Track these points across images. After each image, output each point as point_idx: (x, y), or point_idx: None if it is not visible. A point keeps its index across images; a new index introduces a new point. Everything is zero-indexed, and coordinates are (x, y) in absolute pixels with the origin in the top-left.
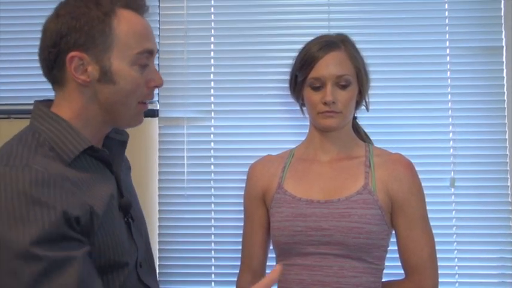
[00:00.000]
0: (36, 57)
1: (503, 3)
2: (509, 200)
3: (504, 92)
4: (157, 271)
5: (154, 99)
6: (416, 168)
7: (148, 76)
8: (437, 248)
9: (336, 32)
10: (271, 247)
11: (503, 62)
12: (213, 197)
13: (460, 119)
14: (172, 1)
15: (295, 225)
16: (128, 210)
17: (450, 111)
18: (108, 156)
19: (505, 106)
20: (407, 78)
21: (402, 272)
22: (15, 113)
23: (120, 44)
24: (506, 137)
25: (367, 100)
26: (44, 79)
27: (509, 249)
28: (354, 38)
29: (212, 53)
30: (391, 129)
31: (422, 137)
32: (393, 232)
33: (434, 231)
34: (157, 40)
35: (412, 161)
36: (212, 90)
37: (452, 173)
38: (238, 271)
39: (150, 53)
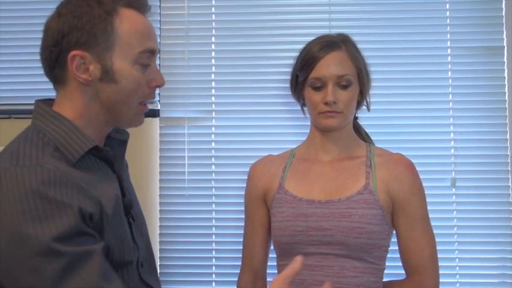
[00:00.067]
0: (37, 57)
1: (505, 3)
2: (510, 200)
3: (505, 92)
4: (158, 271)
5: (155, 99)
6: (417, 168)
7: (149, 76)
8: (438, 248)
9: (336, 32)
10: (272, 247)
11: (504, 62)
12: (213, 197)
13: (461, 119)
14: (173, 1)
15: (296, 225)
16: (129, 209)
17: (451, 111)
18: (111, 155)
19: (506, 106)
20: (408, 78)
21: (403, 272)
22: (16, 113)
23: (122, 43)
24: (507, 137)
25: (368, 100)
26: (44, 79)
27: (510, 249)
28: (354, 38)
29: (213, 53)
30: (392, 129)
31: (424, 137)
32: (394, 232)
33: (435, 231)
34: (158, 40)
35: (413, 161)
36: (213, 90)
37: (453, 173)
38: (239, 271)
39: (152, 52)
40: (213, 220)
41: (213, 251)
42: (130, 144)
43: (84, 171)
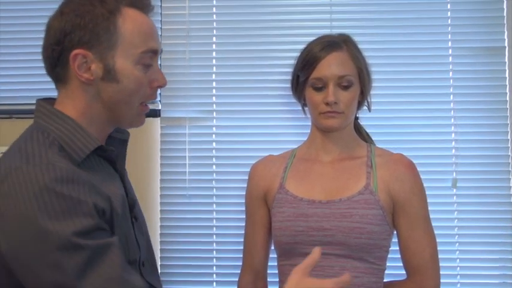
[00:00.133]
0: (38, 57)
1: (506, 3)
2: (511, 200)
3: (506, 93)
4: (159, 271)
5: (156, 99)
6: (418, 169)
7: (151, 76)
8: (439, 248)
9: (338, 32)
10: (272, 247)
11: (505, 62)
12: (214, 197)
13: (462, 119)
14: (174, 1)
15: (297, 225)
16: (132, 209)
17: (452, 111)
18: (114, 155)
19: (507, 107)
20: (409, 79)
21: (404, 272)
22: (17, 113)
23: (124, 43)
24: (508, 137)
25: (369, 100)
26: (45, 79)
27: (511, 249)
28: (356, 38)
29: (214, 53)
30: (393, 130)
31: (424, 137)
32: (395, 232)
33: (436, 232)
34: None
35: (414, 161)
36: (214, 90)
37: (454, 173)
38: (239, 271)
39: (155, 52)
40: (214, 220)
41: (214, 251)
42: (131, 144)
43: (88, 170)
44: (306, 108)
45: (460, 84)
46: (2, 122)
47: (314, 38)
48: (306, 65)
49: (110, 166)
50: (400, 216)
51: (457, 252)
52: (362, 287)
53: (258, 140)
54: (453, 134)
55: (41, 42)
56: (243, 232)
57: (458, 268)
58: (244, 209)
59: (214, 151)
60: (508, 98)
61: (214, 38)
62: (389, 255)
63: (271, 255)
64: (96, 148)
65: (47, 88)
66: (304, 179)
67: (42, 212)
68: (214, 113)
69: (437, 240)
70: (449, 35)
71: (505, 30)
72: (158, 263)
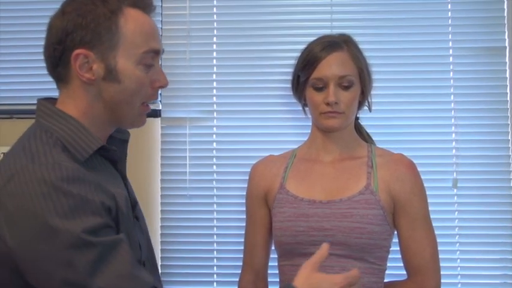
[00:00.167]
0: (39, 57)
1: (506, 3)
2: None
3: (507, 93)
4: (160, 271)
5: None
6: (419, 169)
7: (153, 76)
8: (439, 248)
9: (338, 32)
10: (273, 247)
11: (506, 62)
12: (215, 197)
13: (462, 119)
14: (175, 1)
15: (297, 225)
16: (134, 209)
17: (453, 111)
18: (116, 155)
19: (508, 107)
20: (409, 79)
21: (404, 272)
22: (18, 113)
23: (126, 43)
24: (509, 137)
25: (369, 100)
26: (46, 79)
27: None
28: (356, 38)
29: (215, 53)
30: (393, 130)
31: (425, 137)
32: (395, 232)
33: (436, 232)
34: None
35: (415, 161)
36: (214, 91)
37: (454, 173)
38: (240, 271)
39: (156, 53)
40: (215, 220)
41: (214, 251)
42: (131, 144)
43: (92, 170)
44: (307, 109)
45: (460, 85)
46: (2, 122)
47: (315, 38)
48: (307, 65)
49: (111, 166)
50: (401, 216)
51: (458, 252)
52: (362, 287)
53: (259, 140)
54: (454, 134)
55: (41, 43)
56: (243, 232)
57: (459, 268)
58: (244, 209)
59: (214, 151)
60: (508, 98)
61: (214, 38)
62: (389, 256)
63: (271, 255)
64: (99, 148)
65: (48, 88)
66: (305, 179)
67: (51, 210)
68: (215, 113)
69: (438, 240)
70: (450, 35)
71: (506, 30)
72: (159, 263)
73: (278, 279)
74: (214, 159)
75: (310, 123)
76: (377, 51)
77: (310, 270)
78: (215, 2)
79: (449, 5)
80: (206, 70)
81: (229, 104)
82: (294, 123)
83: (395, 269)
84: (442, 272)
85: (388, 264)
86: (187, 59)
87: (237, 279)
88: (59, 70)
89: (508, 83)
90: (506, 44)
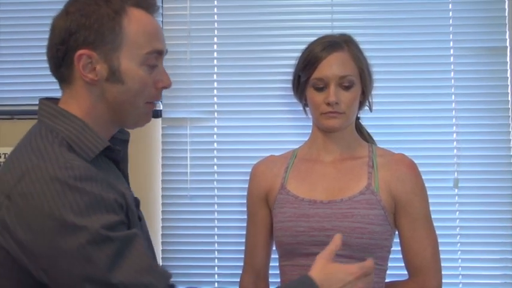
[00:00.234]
0: (39, 58)
1: (507, 3)
2: None
3: (508, 93)
4: None
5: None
6: (420, 169)
7: (156, 77)
8: (440, 248)
9: (339, 32)
10: (274, 247)
11: (507, 62)
12: (216, 197)
13: (463, 119)
14: (176, 1)
15: (298, 225)
16: (137, 209)
17: (454, 111)
18: (119, 155)
19: (509, 106)
20: (410, 79)
21: (405, 272)
22: (18, 114)
23: (129, 43)
24: (510, 137)
25: (370, 100)
26: (47, 79)
27: None
28: (357, 38)
29: (215, 53)
30: (394, 130)
31: (426, 137)
32: (396, 233)
33: (437, 232)
34: None
35: (416, 161)
36: (215, 91)
37: (455, 173)
38: (241, 271)
39: (160, 53)
40: (215, 221)
41: (215, 252)
42: (132, 144)
43: (99, 169)
44: (307, 109)
45: (461, 84)
46: (3, 122)
47: (315, 38)
48: (307, 65)
49: (114, 166)
50: (402, 216)
51: (459, 252)
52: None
53: (259, 141)
54: (455, 134)
55: (42, 43)
56: (244, 232)
57: (460, 268)
58: (245, 209)
59: (215, 151)
60: (509, 98)
61: (215, 39)
62: (390, 256)
63: (272, 256)
64: (104, 148)
65: (49, 89)
66: (306, 179)
67: (67, 208)
68: (216, 113)
69: (439, 240)
70: (451, 35)
71: (507, 30)
72: (160, 263)
73: (279, 280)
74: (215, 160)
75: (311, 124)
76: (378, 51)
77: (326, 260)
78: (216, 2)
79: (450, 5)
80: (207, 70)
81: (230, 104)
82: (295, 124)
83: (396, 269)
84: (443, 272)
85: (389, 264)
86: (188, 59)
87: (238, 280)
88: (62, 70)
89: (509, 83)
90: (507, 44)
